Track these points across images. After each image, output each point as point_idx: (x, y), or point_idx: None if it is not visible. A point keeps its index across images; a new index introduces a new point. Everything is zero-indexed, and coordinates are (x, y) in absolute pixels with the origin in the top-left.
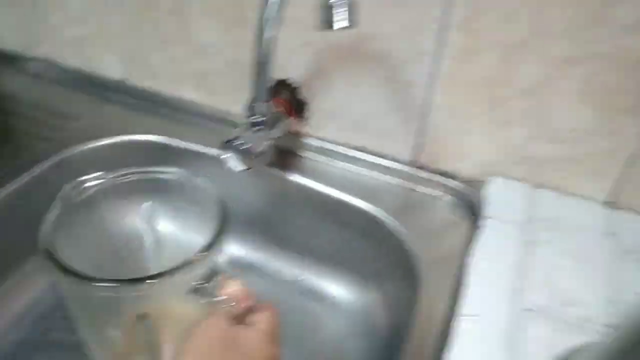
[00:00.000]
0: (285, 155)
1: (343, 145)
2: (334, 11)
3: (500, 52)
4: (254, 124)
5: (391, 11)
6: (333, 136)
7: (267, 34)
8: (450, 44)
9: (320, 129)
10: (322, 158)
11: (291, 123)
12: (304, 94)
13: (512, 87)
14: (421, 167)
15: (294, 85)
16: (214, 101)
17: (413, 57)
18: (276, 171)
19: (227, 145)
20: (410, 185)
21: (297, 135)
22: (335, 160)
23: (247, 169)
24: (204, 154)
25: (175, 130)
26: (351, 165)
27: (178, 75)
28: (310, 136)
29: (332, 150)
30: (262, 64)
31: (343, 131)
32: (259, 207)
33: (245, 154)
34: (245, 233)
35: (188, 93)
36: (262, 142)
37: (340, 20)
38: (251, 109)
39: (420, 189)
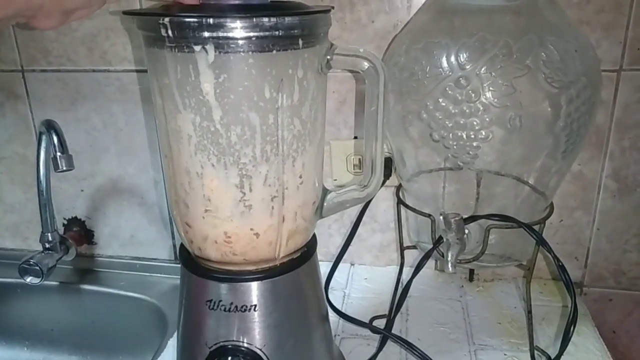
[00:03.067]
0: (84, 273)
1: (124, 257)
2: (59, 162)
3: None
4: (46, 249)
5: (128, 158)
6: (116, 252)
7: (42, 186)
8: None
9: (107, 248)
10: (111, 270)
11: (83, 248)
12: (90, 225)
13: None
14: None
15: (82, 220)
16: (28, 245)
17: (150, 186)
18: (77, 286)
19: (23, 265)
20: (173, 276)
21: (90, 257)
22: (121, 270)
23: (41, 281)
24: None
25: None
26: (131, 271)
27: None
28: (100, 256)
29: (118, 262)
30: (44, 205)
31: (123, 246)
32: (67, 317)
33: (37, 271)
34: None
35: (6, 242)
36: (52, 261)
37: (65, 167)
38: (43, 238)
39: None
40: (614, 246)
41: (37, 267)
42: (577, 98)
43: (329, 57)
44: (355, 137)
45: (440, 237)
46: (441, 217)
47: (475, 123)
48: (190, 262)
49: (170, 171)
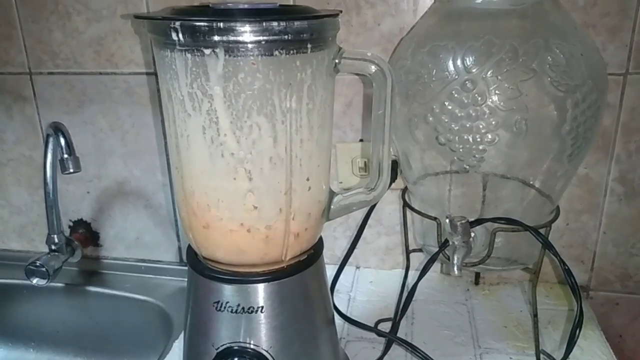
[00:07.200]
0: (90, 275)
1: (130, 259)
2: (66, 164)
3: None
4: (52, 250)
5: (134, 161)
6: (122, 254)
7: (49, 188)
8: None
9: (112, 250)
10: (116, 272)
11: (89, 250)
12: (96, 227)
13: None
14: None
15: (88, 222)
16: (34, 247)
17: (156, 189)
18: (82, 288)
19: (29, 267)
20: (179, 278)
21: (96, 258)
22: (126, 272)
23: (47, 282)
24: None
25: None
26: (137, 273)
27: (3, 231)
28: (106, 258)
29: (123, 264)
30: (50, 207)
31: (129, 248)
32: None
33: (43, 273)
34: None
35: (12, 244)
36: (58, 263)
37: (72, 169)
38: (49, 240)
39: None
40: (621, 250)
41: (43, 269)
42: (583, 102)
43: (337, 60)
44: (361, 140)
45: (446, 240)
46: (447, 220)
47: (481, 126)
48: (198, 264)
49: (179, 174)
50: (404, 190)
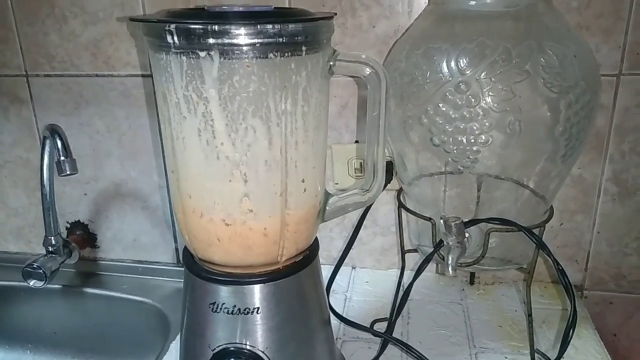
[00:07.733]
0: (87, 276)
1: (127, 260)
2: (63, 166)
3: None
4: (49, 252)
5: (131, 162)
6: (119, 255)
7: (45, 190)
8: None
9: (110, 252)
10: (114, 273)
11: (86, 252)
12: (93, 228)
13: None
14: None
15: (85, 223)
16: (31, 249)
17: (153, 190)
18: (80, 289)
19: (26, 269)
20: (176, 279)
21: (93, 260)
22: (123, 273)
23: (45, 284)
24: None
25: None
26: (134, 274)
27: (0, 234)
28: (103, 259)
29: (120, 265)
30: (47, 209)
31: (126, 250)
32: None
33: (41, 274)
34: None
35: (9, 246)
36: (55, 265)
37: (68, 171)
38: (46, 242)
39: None
40: (615, 249)
41: (41, 271)
42: (576, 103)
43: (331, 63)
44: (357, 141)
45: (441, 241)
46: (442, 221)
47: (475, 128)
48: (194, 266)
49: (175, 176)
50: (399, 191)
